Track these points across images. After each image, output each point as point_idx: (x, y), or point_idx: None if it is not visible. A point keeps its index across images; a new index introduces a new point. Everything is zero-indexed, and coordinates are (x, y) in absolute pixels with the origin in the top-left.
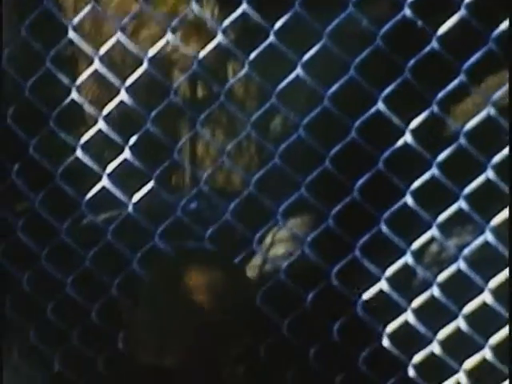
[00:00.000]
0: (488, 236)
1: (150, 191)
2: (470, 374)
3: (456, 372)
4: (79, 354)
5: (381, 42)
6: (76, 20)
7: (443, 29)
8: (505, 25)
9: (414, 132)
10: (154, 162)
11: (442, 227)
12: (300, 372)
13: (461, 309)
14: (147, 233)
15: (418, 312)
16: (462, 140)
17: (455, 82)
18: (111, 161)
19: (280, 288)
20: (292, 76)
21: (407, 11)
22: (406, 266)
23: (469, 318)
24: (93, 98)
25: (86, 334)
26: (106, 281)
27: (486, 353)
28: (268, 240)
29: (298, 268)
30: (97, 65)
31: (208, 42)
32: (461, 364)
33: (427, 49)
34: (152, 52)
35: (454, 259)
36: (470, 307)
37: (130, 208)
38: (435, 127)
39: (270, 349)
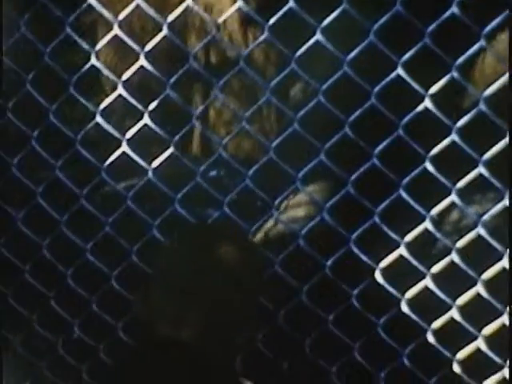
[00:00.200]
0: (507, 202)
1: (169, 157)
2: (489, 339)
3: (475, 338)
4: (99, 320)
5: (400, 7)
6: None
7: None
8: None
9: (434, 97)
10: (173, 128)
11: (462, 194)
12: (318, 339)
13: (480, 275)
14: (167, 199)
15: (437, 278)
16: (482, 106)
17: (475, 47)
18: (131, 127)
19: (299, 253)
20: (311, 41)
21: None
22: (425, 233)
23: (488, 284)
24: (112, 63)
25: (106, 300)
26: (126, 247)
27: (505, 319)
28: (285, 204)
29: (317, 234)
30: (116, 30)
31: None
32: (480, 330)
33: (447, 13)
34: (171, 17)
35: (474, 225)
36: (489, 273)
37: (150, 174)
38: (455, 93)
39: (288, 314)
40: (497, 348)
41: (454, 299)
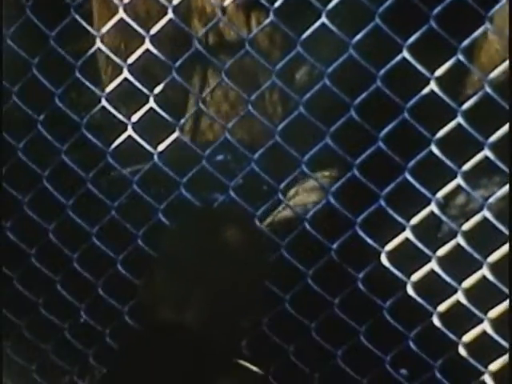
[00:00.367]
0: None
1: (174, 141)
2: (495, 322)
3: (481, 321)
4: (105, 304)
5: None
6: None
7: None
8: None
9: (439, 80)
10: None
11: (468, 178)
12: (324, 322)
13: (486, 258)
14: (173, 184)
15: (443, 261)
16: (488, 88)
17: (480, 30)
18: (136, 111)
19: (305, 237)
20: (317, 25)
21: None
22: (431, 216)
23: (494, 267)
24: (118, 47)
25: (112, 285)
26: (132, 231)
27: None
28: (293, 190)
29: (323, 217)
30: (121, 14)
31: None
32: (486, 313)
33: None
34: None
35: (480, 208)
36: (495, 256)
37: (156, 158)
38: (460, 75)
39: (294, 298)
40: (502, 331)
41: (460, 282)
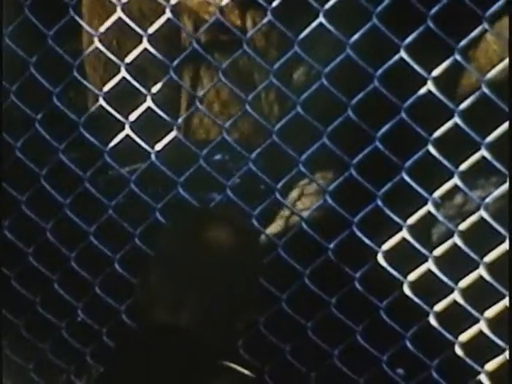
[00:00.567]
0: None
1: (172, 140)
2: (492, 322)
3: (477, 321)
4: (102, 303)
5: None
6: None
7: None
8: None
9: (437, 80)
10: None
11: (465, 178)
12: (321, 322)
13: (482, 258)
14: (171, 183)
15: (439, 261)
16: (485, 89)
17: (478, 30)
18: (134, 110)
19: (303, 237)
20: (314, 24)
21: None
22: (428, 216)
23: (490, 267)
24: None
25: (109, 284)
26: (129, 231)
27: (507, 301)
28: (295, 193)
29: (320, 218)
30: (119, 13)
31: None
32: (482, 313)
33: None
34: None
35: (476, 208)
36: (491, 256)
37: (153, 157)
38: (458, 76)
39: (291, 297)
40: (499, 331)
41: (457, 282)
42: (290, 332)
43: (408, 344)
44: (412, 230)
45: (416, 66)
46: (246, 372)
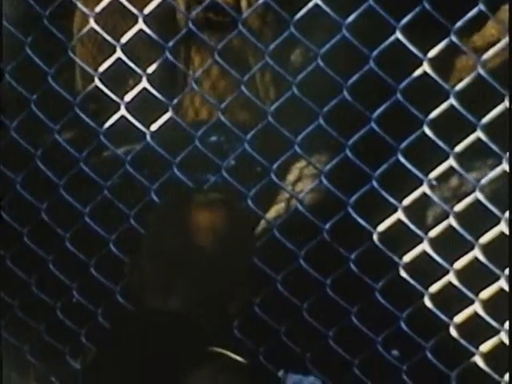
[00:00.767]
0: (506, 166)
1: (167, 121)
2: (486, 304)
3: (472, 302)
4: (97, 284)
5: None
6: None
7: None
8: None
9: (432, 61)
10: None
11: (461, 160)
12: (316, 303)
13: (477, 239)
14: (166, 165)
15: (434, 242)
16: (481, 70)
17: (474, 12)
18: (129, 91)
19: (298, 219)
20: (310, 5)
21: None
22: (423, 197)
23: (486, 249)
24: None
25: (104, 264)
26: (124, 212)
27: (503, 283)
28: (292, 177)
29: (316, 199)
30: None
31: None
32: (477, 294)
33: None
34: None
35: (472, 190)
36: (486, 237)
37: (148, 137)
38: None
39: (286, 278)
40: (494, 312)
41: (452, 263)
42: (285, 313)
43: (403, 325)
44: (407, 211)
45: (412, 47)
46: (239, 358)
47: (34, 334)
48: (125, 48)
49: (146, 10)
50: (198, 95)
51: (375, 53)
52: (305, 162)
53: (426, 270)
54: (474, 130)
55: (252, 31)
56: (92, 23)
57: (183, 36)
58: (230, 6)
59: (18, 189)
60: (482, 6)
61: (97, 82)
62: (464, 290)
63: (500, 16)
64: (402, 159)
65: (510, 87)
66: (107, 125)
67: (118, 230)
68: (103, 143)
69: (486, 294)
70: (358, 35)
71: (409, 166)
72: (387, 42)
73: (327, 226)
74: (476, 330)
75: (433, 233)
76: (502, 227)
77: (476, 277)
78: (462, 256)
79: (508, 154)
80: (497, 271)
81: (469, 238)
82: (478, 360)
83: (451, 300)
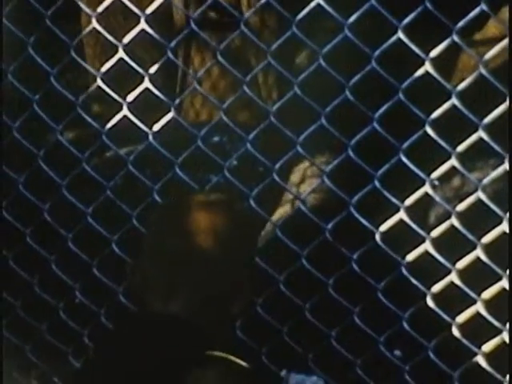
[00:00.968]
0: (507, 166)
1: (169, 121)
2: (489, 303)
3: (474, 302)
4: (100, 284)
5: None
6: None
7: None
8: None
9: (434, 61)
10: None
11: (463, 160)
12: (318, 303)
13: (480, 239)
14: (169, 165)
15: (436, 242)
16: (483, 70)
17: (476, 11)
18: (131, 90)
19: (301, 219)
20: (312, 5)
21: None
22: (425, 197)
23: (488, 249)
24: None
25: (107, 265)
26: (127, 212)
27: (505, 283)
28: (295, 178)
29: (318, 199)
30: None
31: None
32: (479, 294)
33: None
34: None
35: (474, 190)
36: (488, 237)
37: (150, 138)
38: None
39: (289, 279)
40: (496, 312)
41: (454, 263)
42: (288, 313)
43: (405, 325)
44: (409, 211)
45: (414, 47)
46: (242, 363)
47: (36, 334)
48: (127, 48)
49: (148, 10)
50: (198, 95)
51: (377, 53)
52: (307, 163)
53: (428, 269)
54: (475, 130)
55: (253, 31)
56: (94, 23)
57: (183, 36)
58: (230, 5)
59: (20, 189)
60: (484, 6)
61: (99, 82)
62: (466, 289)
63: (502, 16)
64: (404, 159)
65: (510, 87)
66: (109, 125)
67: (120, 230)
68: (106, 143)
69: (488, 293)
70: (359, 35)
71: (411, 165)
72: (389, 42)
73: (329, 226)
74: (478, 329)
75: (435, 233)
76: (504, 227)
77: (478, 277)
78: (464, 256)
79: (509, 153)
80: (499, 271)
81: (471, 237)
82: (481, 360)
83: (453, 300)
